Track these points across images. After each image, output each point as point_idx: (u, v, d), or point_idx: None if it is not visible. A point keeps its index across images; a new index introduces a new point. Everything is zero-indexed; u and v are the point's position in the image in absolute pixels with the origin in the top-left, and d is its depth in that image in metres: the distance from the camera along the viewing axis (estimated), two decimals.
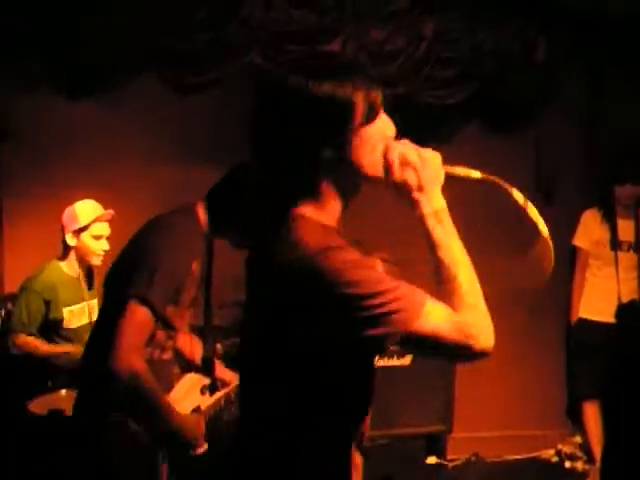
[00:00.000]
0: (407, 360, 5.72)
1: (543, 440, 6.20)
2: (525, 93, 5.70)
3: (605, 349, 5.68)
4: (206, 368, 3.72)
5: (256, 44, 4.81)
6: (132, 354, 3.10)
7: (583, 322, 5.87)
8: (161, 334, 3.34)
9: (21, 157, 5.07)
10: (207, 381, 3.67)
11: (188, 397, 3.55)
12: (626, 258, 5.84)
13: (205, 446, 3.37)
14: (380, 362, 5.64)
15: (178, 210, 3.44)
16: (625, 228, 5.85)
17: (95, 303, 4.92)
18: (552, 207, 6.26)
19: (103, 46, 4.61)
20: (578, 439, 6.11)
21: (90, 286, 4.98)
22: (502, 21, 5.50)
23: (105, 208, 4.78)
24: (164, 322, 3.29)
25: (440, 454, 5.84)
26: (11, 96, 5.01)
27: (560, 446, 6.14)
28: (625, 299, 5.78)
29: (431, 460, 5.79)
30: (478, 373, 5.57)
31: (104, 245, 4.81)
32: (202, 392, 3.63)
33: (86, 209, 4.78)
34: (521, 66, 5.61)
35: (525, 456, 6.14)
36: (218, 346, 4.31)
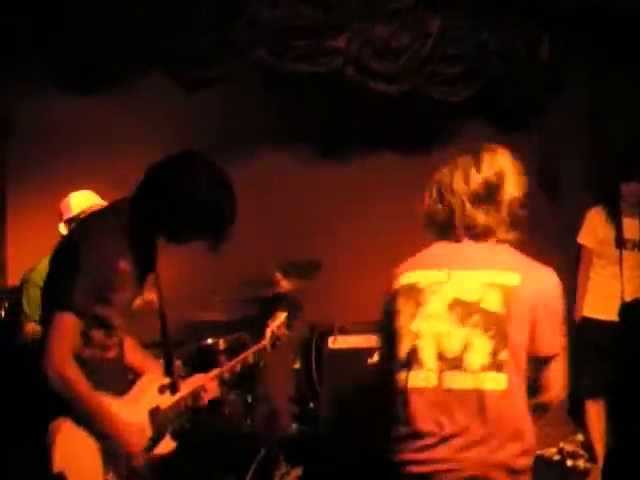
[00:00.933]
0: None
1: (545, 438, 6.18)
2: (529, 91, 5.71)
3: (608, 348, 5.68)
4: (166, 367, 3.73)
5: (262, 40, 4.82)
6: (62, 361, 3.17)
7: (587, 321, 5.87)
8: (98, 334, 3.37)
9: (26, 153, 5.08)
10: (166, 380, 3.66)
11: (145, 397, 3.56)
12: (631, 257, 5.83)
13: (140, 460, 3.39)
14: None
15: (104, 210, 3.48)
16: (630, 226, 5.84)
17: None
18: (557, 205, 6.29)
19: (109, 43, 4.63)
20: (580, 437, 6.11)
21: None
22: (506, 19, 5.51)
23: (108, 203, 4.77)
24: (99, 322, 3.33)
25: None
26: (15, 93, 5.02)
27: (562, 444, 6.14)
28: (629, 298, 5.77)
29: None
30: None
31: None
32: (160, 391, 3.62)
33: (79, 199, 4.70)
34: (525, 64, 5.62)
35: None
36: (221, 342, 4.34)
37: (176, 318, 5.16)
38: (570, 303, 5.93)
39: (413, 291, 2.92)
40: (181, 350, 4.70)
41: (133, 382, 3.61)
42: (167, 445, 3.63)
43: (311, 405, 5.28)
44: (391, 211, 6.09)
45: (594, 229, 5.88)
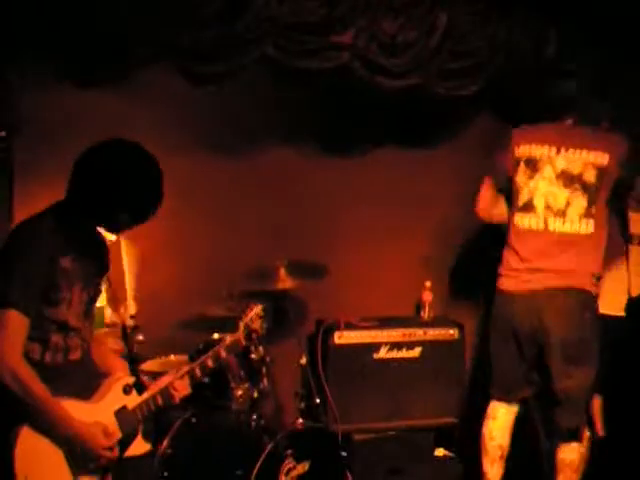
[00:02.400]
0: (416, 352, 5.73)
1: None
2: (536, 86, 5.69)
3: (612, 343, 5.67)
4: (130, 367, 3.72)
5: (268, 35, 4.81)
6: (12, 359, 3.18)
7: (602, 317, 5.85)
8: (57, 337, 3.38)
9: (32, 148, 5.07)
10: (130, 380, 3.65)
11: (110, 397, 3.55)
12: (637, 251, 5.80)
13: (106, 459, 3.39)
14: (389, 354, 5.66)
15: (43, 211, 3.46)
16: (637, 221, 5.81)
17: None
18: None
19: (114, 37, 4.62)
20: (587, 433, 6.09)
21: None
22: (513, 14, 5.50)
23: None
24: (56, 325, 3.33)
25: (449, 446, 5.85)
26: (20, 88, 5.01)
27: None
28: (635, 293, 5.76)
29: (440, 452, 5.80)
30: (488, 364, 5.58)
31: (109, 235, 4.80)
32: (125, 391, 3.60)
33: None
34: (532, 59, 5.61)
35: None
36: (227, 337, 4.33)
37: (182, 313, 5.19)
38: None
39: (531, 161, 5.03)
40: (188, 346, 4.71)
41: (99, 382, 3.61)
42: (140, 446, 3.63)
43: (317, 400, 5.28)
44: (398, 205, 6.10)
45: None
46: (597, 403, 5.69)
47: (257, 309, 4.13)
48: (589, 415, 5.52)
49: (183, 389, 3.75)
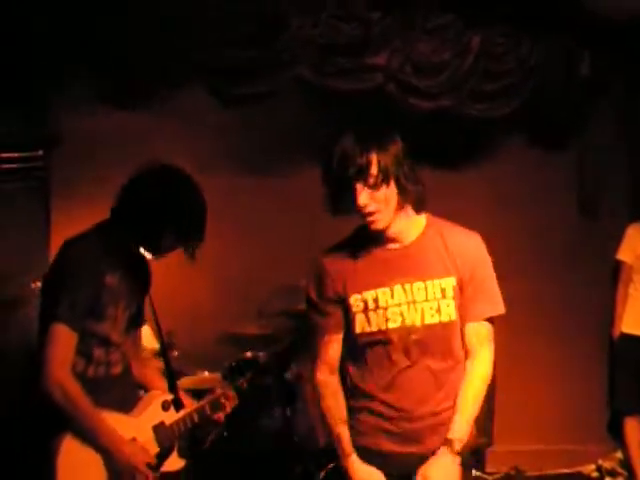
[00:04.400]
0: None
1: (584, 455, 6.16)
2: (569, 107, 5.69)
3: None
4: (169, 384, 3.74)
5: (303, 57, 4.85)
6: (61, 374, 3.21)
7: (625, 337, 5.83)
8: (100, 352, 3.41)
9: (70, 166, 5.15)
10: (168, 397, 3.66)
11: (149, 413, 3.57)
12: None
13: (146, 477, 3.40)
14: None
15: (89, 229, 3.52)
16: None
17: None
18: (596, 221, 6.25)
19: (153, 58, 4.69)
20: (619, 455, 6.06)
21: None
22: (546, 35, 5.50)
23: None
24: (99, 339, 3.37)
25: (480, 467, 5.82)
26: (61, 107, 5.08)
27: (601, 461, 6.09)
28: None
29: (473, 474, 5.77)
30: (519, 386, 5.58)
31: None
32: (164, 408, 3.62)
33: None
34: (565, 80, 5.61)
35: (565, 471, 6.10)
36: (260, 355, 4.34)
37: (216, 331, 5.23)
38: (608, 319, 5.91)
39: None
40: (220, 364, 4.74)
41: (139, 397, 3.64)
42: (175, 463, 3.64)
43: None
44: None
45: (634, 245, 5.84)
46: (632, 426, 5.70)
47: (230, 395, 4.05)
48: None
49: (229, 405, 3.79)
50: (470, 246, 3.12)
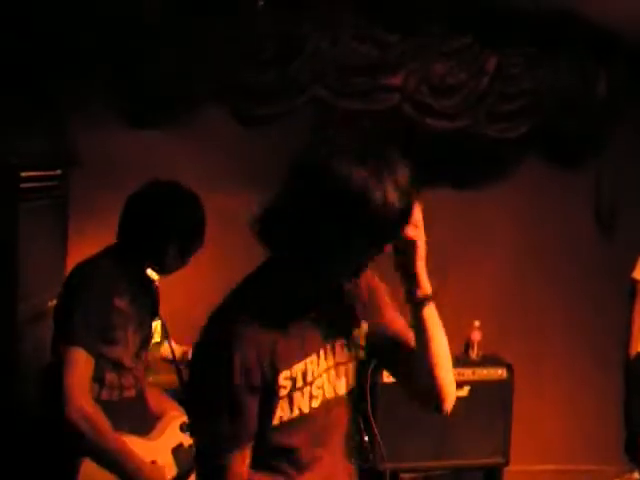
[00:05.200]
0: (465, 391, 5.71)
1: (600, 475, 6.13)
2: (587, 127, 5.70)
3: None
4: (186, 409, 3.75)
5: (320, 78, 4.89)
6: (82, 399, 3.20)
7: None
8: (112, 376, 3.42)
9: (88, 184, 5.18)
10: (185, 419, 3.67)
11: (167, 435, 3.60)
12: None
13: None
14: None
15: (98, 253, 3.56)
16: None
17: (159, 323, 4.95)
18: (613, 240, 6.25)
19: (171, 78, 4.73)
20: (636, 476, 6.04)
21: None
22: (563, 55, 5.52)
23: None
24: (111, 364, 3.39)
25: None
26: (79, 125, 5.13)
27: None
28: None
29: None
30: (536, 406, 5.57)
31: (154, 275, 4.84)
32: (182, 430, 3.65)
33: None
34: (582, 100, 5.62)
35: None
36: None
37: None
38: (624, 339, 5.90)
39: None
40: None
41: (155, 421, 3.65)
42: None
43: (366, 439, 5.27)
44: (444, 247, 6.11)
45: None
46: None
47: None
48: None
49: None
50: None
